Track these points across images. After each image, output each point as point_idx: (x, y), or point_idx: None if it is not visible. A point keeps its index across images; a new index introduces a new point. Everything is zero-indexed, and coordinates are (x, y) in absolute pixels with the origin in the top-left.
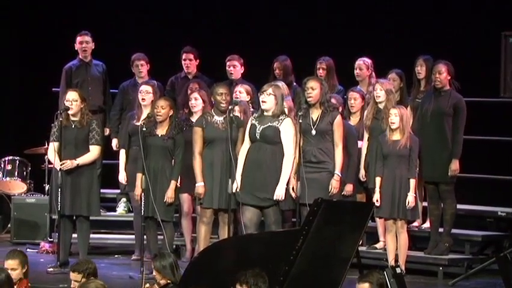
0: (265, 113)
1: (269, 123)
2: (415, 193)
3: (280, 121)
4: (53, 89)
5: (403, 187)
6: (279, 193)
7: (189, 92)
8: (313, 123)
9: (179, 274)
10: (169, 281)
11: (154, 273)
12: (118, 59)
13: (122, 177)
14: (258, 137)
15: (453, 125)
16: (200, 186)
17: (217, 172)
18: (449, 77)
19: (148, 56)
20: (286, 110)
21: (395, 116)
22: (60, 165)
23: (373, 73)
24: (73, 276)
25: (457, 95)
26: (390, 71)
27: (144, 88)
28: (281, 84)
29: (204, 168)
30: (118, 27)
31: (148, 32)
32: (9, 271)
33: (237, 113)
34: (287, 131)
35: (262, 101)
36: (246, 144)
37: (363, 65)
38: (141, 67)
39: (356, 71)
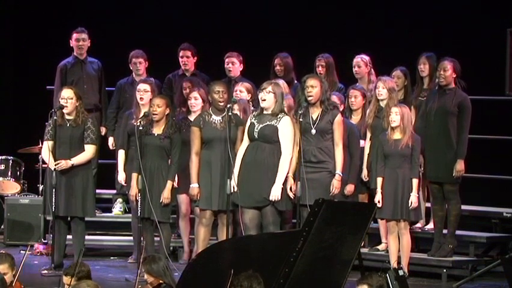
0: (264, 112)
1: (268, 122)
2: (418, 193)
3: (279, 119)
4: (48, 87)
5: (406, 187)
6: (275, 193)
7: (185, 91)
8: (313, 122)
9: (171, 275)
10: (161, 282)
11: (145, 276)
12: (115, 57)
13: (121, 177)
14: (256, 136)
15: (458, 124)
16: (194, 188)
17: (215, 173)
18: (454, 75)
19: (146, 53)
20: (285, 109)
21: (395, 115)
22: (55, 165)
23: (372, 70)
24: (66, 280)
25: (462, 94)
26: (395, 69)
27: (142, 87)
28: (281, 82)
29: (202, 169)
30: (115, 24)
31: (146, 28)
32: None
33: (236, 112)
34: (285, 129)
35: (262, 99)
36: (245, 143)
37: (361, 62)
38: (139, 65)
39: (355, 69)
